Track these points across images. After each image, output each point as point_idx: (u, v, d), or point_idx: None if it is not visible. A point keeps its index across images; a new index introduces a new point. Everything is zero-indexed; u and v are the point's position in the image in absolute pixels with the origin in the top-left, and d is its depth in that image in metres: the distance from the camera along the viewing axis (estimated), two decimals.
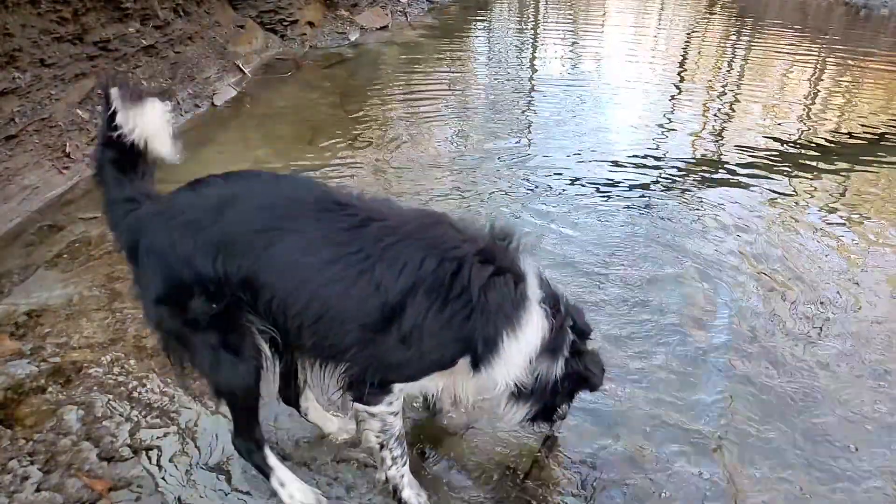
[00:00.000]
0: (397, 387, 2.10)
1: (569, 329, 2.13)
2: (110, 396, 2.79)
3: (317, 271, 1.93)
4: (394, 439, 2.21)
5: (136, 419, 2.68)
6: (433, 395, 2.55)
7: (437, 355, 2.00)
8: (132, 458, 2.50)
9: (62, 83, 5.14)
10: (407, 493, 2.31)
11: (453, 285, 1.90)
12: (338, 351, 2.03)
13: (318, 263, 1.93)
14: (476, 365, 2.01)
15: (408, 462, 2.29)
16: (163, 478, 2.42)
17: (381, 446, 2.22)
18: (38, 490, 2.34)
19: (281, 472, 2.32)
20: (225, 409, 2.48)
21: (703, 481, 2.56)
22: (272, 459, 2.31)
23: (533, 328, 1.99)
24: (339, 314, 1.95)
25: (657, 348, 3.30)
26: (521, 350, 2.00)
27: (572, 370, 2.15)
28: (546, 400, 2.19)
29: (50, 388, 2.82)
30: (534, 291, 2.01)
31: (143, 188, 2.11)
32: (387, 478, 2.29)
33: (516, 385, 2.09)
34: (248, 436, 2.25)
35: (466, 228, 2.05)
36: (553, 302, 2.08)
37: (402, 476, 2.29)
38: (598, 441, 2.72)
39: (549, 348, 2.06)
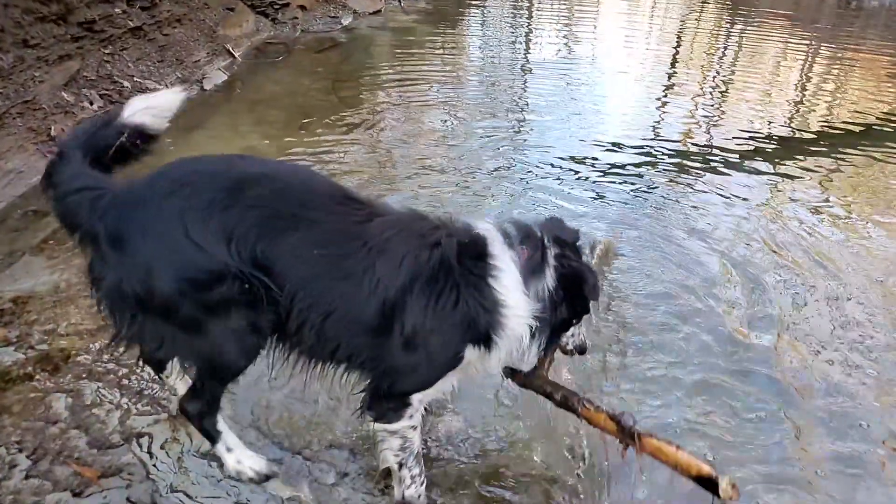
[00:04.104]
0: (416, 398, 2.08)
1: (548, 244, 2.08)
2: (100, 384, 2.75)
3: (330, 266, 1.91)
4: (412, 457, 2.19)
5: (126, 406, 2.65)
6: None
7: (445, 353, 1.99)
8: (123, 445, 2.47)
9: (46, 65, 5.02)
10: None
11: (440, 271, 1.93)
12: (343, 355, 2.01)
13: (332, 258, 1.91)
14: (487, 340, 1.99)
15: (425, 482, 2.27)
16: (154, 465, 2.39)
17: (400, 465, 2.19)
18: (27, 477, 2.31)
19: (229, 438, 2.29)
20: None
21: None
22: (222, 424, 2.27)
23: (507, 263, 1.99)
24: (344, 314, 1.93)
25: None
26: (515, 287, 1.98)
27: (562, 276, 2.06)
28: (552, 317, 2.08)
29: (38, 376, 2.77)
30: (489, 232, 2.04)
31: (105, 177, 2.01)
32: (404, 497, 2.23)
33: (534, 319, 2.02)
34: (210, 403, 2.19)
35: (439, 218, 2.13)
36: (521, 232, 2.08)
37: (420, 496, 2.25)
38: None
39: (530, 270, 2.02)
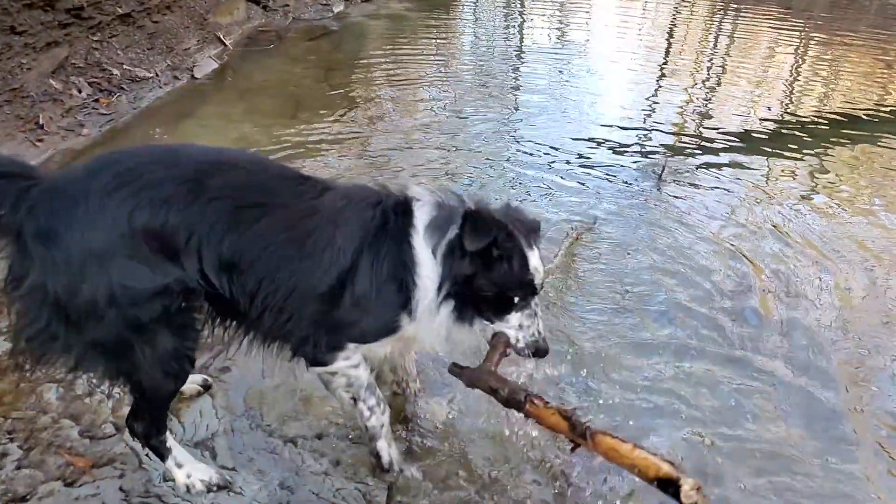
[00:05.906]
0: (350, 344, 2.08)
1: (465, 204, 2.04)
2: (91, 374, 2.74)
3: (293, 245, 1.93)
4: (363, 389, 2.19)
5: (118, 396, 2.64)
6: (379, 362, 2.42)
7: (384, 316, 2.03)
8: (115, 434, 2.47)
9: (34, 52, 4.96)
10: (381, 444, 2.30)
11: (380, 230, 1.99)
12: (296, 324, 2.03)
13: (295, 238, 1.94)
14: (410, 310, 2.01)
15: (387, 411, 2.29)
16: (146, 454, 2.38)
17: (355, 400, 2.20)
18: (18, 468, 2.30)
19: (179, 454, 2.24)
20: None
21: None
22: (170, 441, 2.23)
23: (421, 221, 2.01)
24: (305, 288, 1.95)
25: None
26: (423, 242, 1.98)
27: (461, 227, 1.94)
28: (454, 268, 1.95)
29: (28, 366, 2.75)
30: (419, 194, 2.07)
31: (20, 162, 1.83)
32: (367, 427, 2.27)
33: (444, 285, 1.97)
34: (153, 422, 2.13)
35: (388, 186, 2.16)
36: (454, 198, 2.09)
37: (382, 426, 2.27)
38: None
39: (436, 225, 2.00)
